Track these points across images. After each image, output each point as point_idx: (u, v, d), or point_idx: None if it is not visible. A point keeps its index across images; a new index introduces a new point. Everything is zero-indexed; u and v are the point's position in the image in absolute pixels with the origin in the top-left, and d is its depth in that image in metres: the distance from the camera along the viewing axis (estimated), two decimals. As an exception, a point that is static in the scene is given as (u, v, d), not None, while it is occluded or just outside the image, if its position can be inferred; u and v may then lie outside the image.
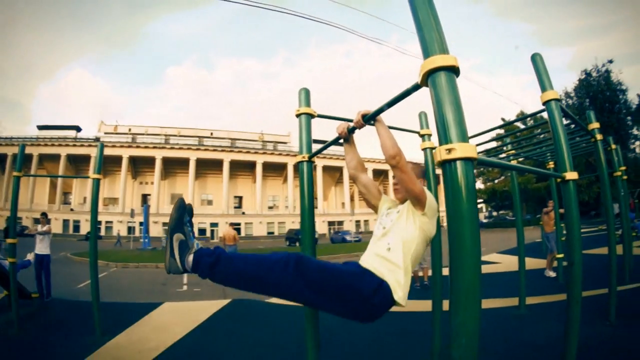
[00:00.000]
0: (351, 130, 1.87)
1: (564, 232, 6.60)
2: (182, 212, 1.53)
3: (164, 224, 44.52)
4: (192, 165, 47.56)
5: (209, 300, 6.19)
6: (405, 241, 1.58)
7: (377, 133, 1.68)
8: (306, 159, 2.21)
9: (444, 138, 0.97)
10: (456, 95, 1.01)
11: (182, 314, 5.00)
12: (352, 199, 55.86)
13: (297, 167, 2.28)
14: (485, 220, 49.11)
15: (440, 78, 1.03)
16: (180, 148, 47.76)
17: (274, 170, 52.70)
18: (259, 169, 50.10)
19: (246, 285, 1.47)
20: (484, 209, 58.68)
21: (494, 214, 50.12)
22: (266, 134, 56.62)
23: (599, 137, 3.76)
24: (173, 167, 49.09)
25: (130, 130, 51.16)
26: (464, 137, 0.96)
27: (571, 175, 2.04)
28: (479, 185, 44.71)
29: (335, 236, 32.10)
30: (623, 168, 6.29)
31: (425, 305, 4.86)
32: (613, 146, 5.73)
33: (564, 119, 2.41)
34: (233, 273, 1.45)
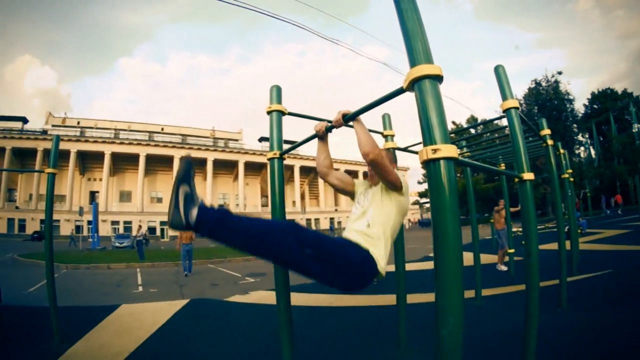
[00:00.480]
0: (329, 129, 1.94)
1: (514, 229, 7.10)
2: (189, 166, 1.50)
3: (113, 222, 42.68)
4: (142, 162, 45.80)
5: (166, 301, 6.04)
6: (383, 215, 1.71)
7: (355, 132, 1.76)
8: (277, 155, 2.24)
9: (429, 139, 1.07)
10: (440, 101, 1.12)
11: (141, 316, 4.87)
12: (302, 197, 56.29)
13: (268, 164, 2.30)
14: None
15: (425, 85, 1.13)
16: (130, 143, 45.78)
17: (225, 167, 52.08)
18: (209, 166, 49.23)
19: (248, 244, 1.49)
20: (432, 208, 60.89)
21: None
22: (217, 131, 55.92)
23: (550, 142, 4.09)
24: (122, 163, 47.04)
25: (79, 123, 48.51)
26: (447, 139, 1.06)
27: (528, 175, 2.24)
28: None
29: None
30: (570, 171, 6.85)
31: (386, 300, 5.06)
32: (562, 151, 6.22)
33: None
34: (239, 229, 1.45)
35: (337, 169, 2.12)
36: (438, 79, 1.14)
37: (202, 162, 49.61)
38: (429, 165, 1.06)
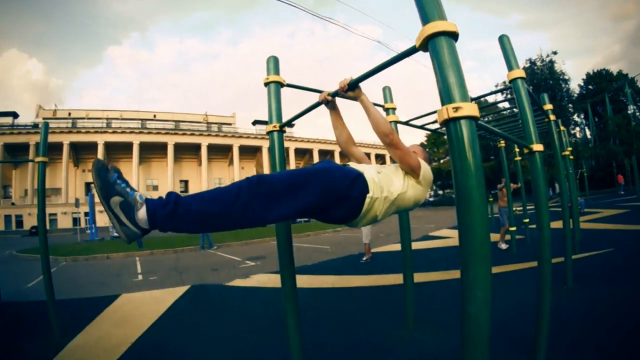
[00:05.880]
0: (333, 95, 1.81)
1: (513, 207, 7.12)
2: (105, 174, 1.27)
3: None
4: (135, 150, 45.64)
5: (166, 288, 6.02)
6: (398, 180, 1.59)
7: (366, 111, 1.66)
8: (277, 128, 2.14)
9: (448, 98, 0.98)
10: (457, 59, 1.03)
11: (142, 305, 4.84)
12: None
13: (268, 137, 2.19)
14: (431, 199, 51.10)
15: (441, 42, 1.04)
16: (122, 132, 45.56)
17: (220, 152, 51.99)
18: (204, 152, 49.12)
19: (212, 225, 1.30)
20: (429, 188, 61.07)
21: (440, 192, 51.97)
22: (210, 115, 55.67)
23: (552, 117, 4.01)
24: (116, 152, 46.79)
25: (70, 114, 48.11)
26: (467, 97, 0.97)
27: (537, 147, 2.17)
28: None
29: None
30: (570, 149, 6.81)
31: (388, 280, 5.04)
32: (562, 128, 6.15)
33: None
34: (195, 218, 1.25)
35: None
36: (454, 36, 1.05)
37: (197, 147, 49.55)
38: (449, 125, 0.98)
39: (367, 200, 1.45)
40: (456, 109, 0.95)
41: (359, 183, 1.45)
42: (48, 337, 3.62)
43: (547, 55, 35.50)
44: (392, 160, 1.73)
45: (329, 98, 1.82)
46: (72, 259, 12.49)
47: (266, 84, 2.20)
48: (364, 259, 7.27)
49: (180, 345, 3.30)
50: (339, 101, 1.92)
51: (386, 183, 1.54)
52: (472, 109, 0.95)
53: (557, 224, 4.10)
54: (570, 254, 3.86)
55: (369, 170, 1.54)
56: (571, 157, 7.06)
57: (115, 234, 24.57)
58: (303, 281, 5.61)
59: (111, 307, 4.80)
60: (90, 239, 23.29)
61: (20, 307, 5.26)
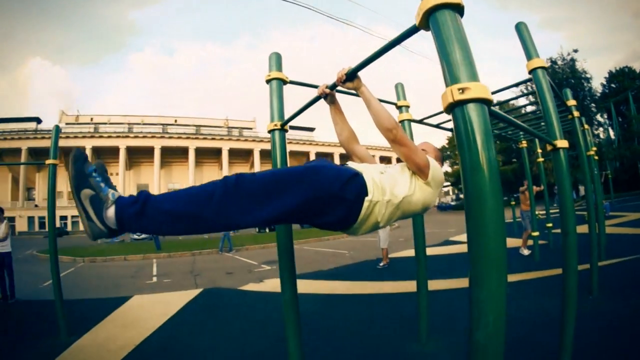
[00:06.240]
0: (332, 87, 1.67)
1: (536, 211, 6.81)
2: (81, 164, 1.18)
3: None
4: (157, 154, 46.62)
5: (179, 291, 6.02)
6: (404, 180, 1.41)
7: (367, 104, 1.50)
8: (278, 126, 2.02)
9: (453, 78, 0.82)
10: (463, 35, 0.87)
11: (152, 307, 4.84)
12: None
13: (270, 136, 2.06)
14: (453, 203, 50.25)
15: (444, 16, 0.89)
16: (144, 137, 46.63)
17: (240, 156, 52.70)
18: (225, 156, 49.81)
19: (183, 227, 1.17)
20: (451, 192, 60.27)
21: (462, 196, 51.11)
22: (231, 120, 56.47)
23: (576, 113, 3.77)
24: (137, 156, 47.89)
25: (92, 119, 49.63)
26: (476, 77, 0.81)
27: (561, 143, 1.98)
28: (447, 167, 44.79)
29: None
30: (594, 149, 6.47)
31: (407, 287, 4.86)
32: (586, 126, 5.84)
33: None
34: (166, 218, 1.13)
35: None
36: (458, 9, 0.90)
37: (217, 152, 50.36)
38: (455, 110, 0.82)
39: (366, 204, 1.28)
40: (462, 90, 0.79)
41: (355, 184, 1.28)
42: (56, 336, 3.64)
43: (568, 54, 34.50)
44: None
45: (327, 91, 1.69)
46: (90, 259, 12.68)
47: (268, 81, 2.08)
48: (381, 264, 7.11)
49: (184, 349, 3.22)
50: (343, 98, 1.79)
51: (390, 184, 1.36)
52: (482, 90, 0.79)
53: (581, 229, 3.85)
54: (596, 260, 3.59)
55: (370, 170, 1.38)
56: (596, 157, 6.71)
57: (136, 237, 25.05)
58: (316, 287, 5.49)
59: (121, 309, 4.81)
60: (110, 241, 23.68)
61: (33, 305, 5.34)
